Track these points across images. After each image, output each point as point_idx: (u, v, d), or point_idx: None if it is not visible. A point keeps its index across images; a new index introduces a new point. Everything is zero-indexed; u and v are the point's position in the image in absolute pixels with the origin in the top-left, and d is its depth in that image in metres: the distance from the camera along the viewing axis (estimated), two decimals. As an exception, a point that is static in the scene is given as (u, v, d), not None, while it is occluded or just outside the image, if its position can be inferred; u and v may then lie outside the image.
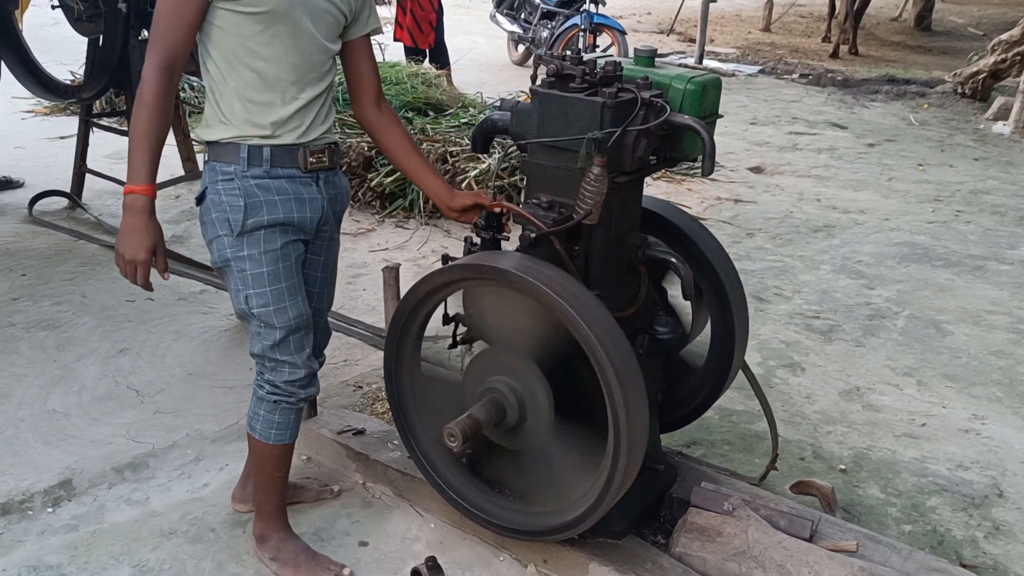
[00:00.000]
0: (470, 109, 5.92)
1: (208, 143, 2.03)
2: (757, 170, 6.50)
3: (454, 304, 2.33)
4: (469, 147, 4.28)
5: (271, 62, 1.96)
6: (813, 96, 9.22)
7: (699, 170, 2.17)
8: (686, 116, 2.12)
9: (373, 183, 5.06)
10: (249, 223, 1.97)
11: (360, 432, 2.76)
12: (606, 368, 1.93)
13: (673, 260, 2.30)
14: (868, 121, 8.26)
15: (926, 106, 8.90)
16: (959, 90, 9.08)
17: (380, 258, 4.41)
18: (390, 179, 5.05)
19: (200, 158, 4.77)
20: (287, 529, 2.31)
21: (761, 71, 10.66)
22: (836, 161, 6.83)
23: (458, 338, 2.40)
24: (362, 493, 2.63)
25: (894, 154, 7.10)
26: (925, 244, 5.04)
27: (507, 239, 2.32)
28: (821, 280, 4.47)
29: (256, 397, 2.17)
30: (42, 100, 6.48)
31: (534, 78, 2.28)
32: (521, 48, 10.16)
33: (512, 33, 10.10)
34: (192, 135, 4.91)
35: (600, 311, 2.00)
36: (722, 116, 2.36)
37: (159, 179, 1.96)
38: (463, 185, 4.92)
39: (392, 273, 3.11)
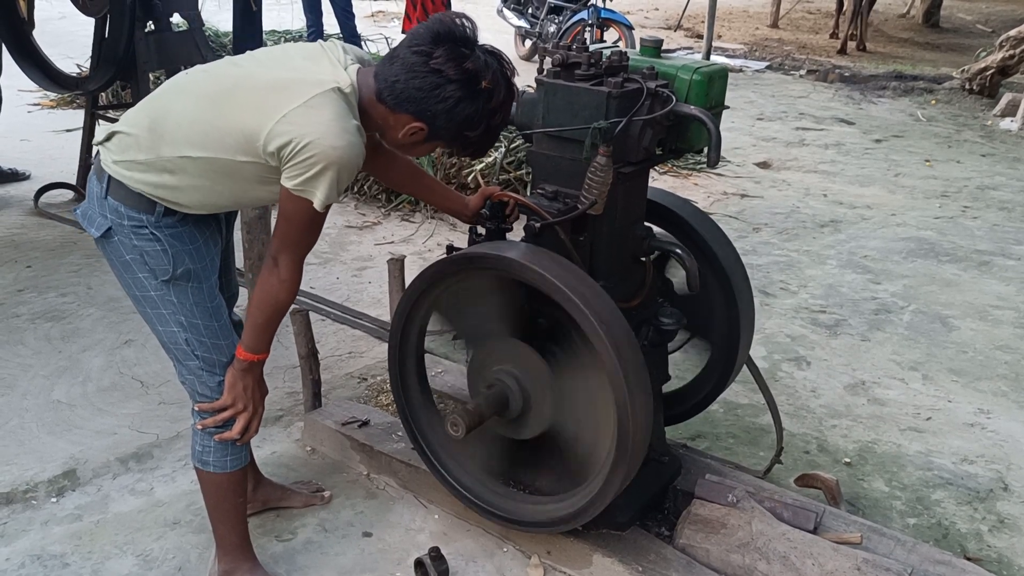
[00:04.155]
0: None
1: (118, 180, 1.85)
2: (764, 165, 6.48)
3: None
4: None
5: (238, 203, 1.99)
6: (820, 92, 9.18)
7: (705, 164, 2.16)
8: (692, 106, 2.11)
9: (378, 176, 5.05)
10: (179, 272, 1.89)
11: (364, 424, 2.76)
12: (611, 360, 1.93)
13: (678, 251, 2.29)
14: (875, 117, 8.23)
15: (934, 102, 8.86)
16: (967, 86, 9.04)
17: (386, 251, 4.40)
18: (395, 173, 5.04)
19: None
20: (253, 559, 2.20)
21: (768, 67, 10.62)
22: (843, 157, 6.80)
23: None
24: (366, 485, 2.63)
25: (901, 150, 7.07)
26: (932, 239, 5.02)
27: (511, 229, 2.32)
28: (827, 275, 4.45)
29: (201, 432, 2.05)
30: (48, 93, 6.49)
31: (541, 70, 2.27)
32: (528, 43, 10.14)
33: (519, 28, 10.08)
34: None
35: (605, 302, 2.00)
36: (728, 107, 2.35)
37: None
38: (469, 178, 4.92)
39: (397, 265, 3.11)
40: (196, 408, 2.03)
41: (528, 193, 2.26)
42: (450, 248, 2.33)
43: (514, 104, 2.01)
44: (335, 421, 2.78)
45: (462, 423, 2.06)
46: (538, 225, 2.12)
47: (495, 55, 1.87)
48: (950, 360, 3.60)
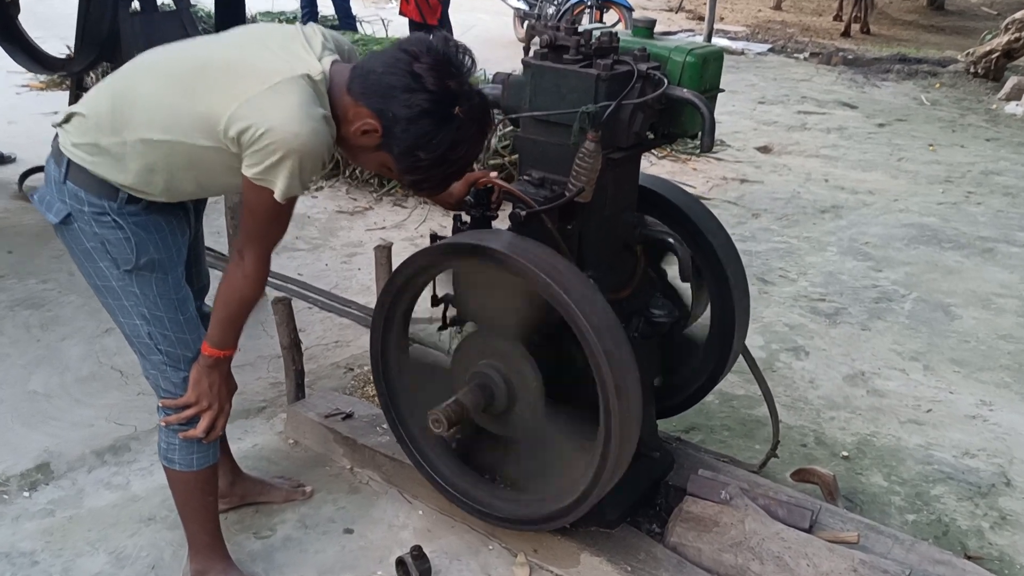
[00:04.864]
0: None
1: (78, 165, 1.75)
2: (764, 150, 6.37)
3: (446, 284, 2.24)
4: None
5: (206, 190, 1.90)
6: (823, 75, 9.06)
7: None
8: (685, 90, 2.02)
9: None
10: (142, 262, 1.80)
11: (348, 416, 2.69)
12: (598, 353, 1.85)
13: (670, 240, 2.21)
14: (879, 101, 8.11)
15: (938, 86, 8.74)
16: (971, 70, 8.91)
17: (377, 237, 4.31)
18: (388, 157, 4.94)
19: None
20: (226, 558, 2.12)
21: (771, 50, 10.48)
22: (845, 141, 6.70)
23: (448, 320, 2.32)
24: (349, 479, 2.56)
25: (904, 134, 6.96)
26: (934, 226, 4.93)
27: (496, 217, 2.23)
28: (827, 262, 4.36)
29: (166, 428, 1.97)
30: (37, 75, 6.39)
31: (527, 49, 2.18)
32: (527, 24, 10.01)
33: (518, 10, 9.95)
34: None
35: (592, 293, 1.91)
36: (723, 91, 2.26)
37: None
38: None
39: (384, 252, 3.03)
40: (160, 404, 1.95)
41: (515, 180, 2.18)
42: (434, 236, 2.24)
43: (478, 155, 1.88)
44: (318, 413, 2.70)
45: (444, 419, 1.98)
46: (523, 213, 2.03)
47: (482, 97, 1.77)
48: (952, 350, 3.52)
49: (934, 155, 6.43)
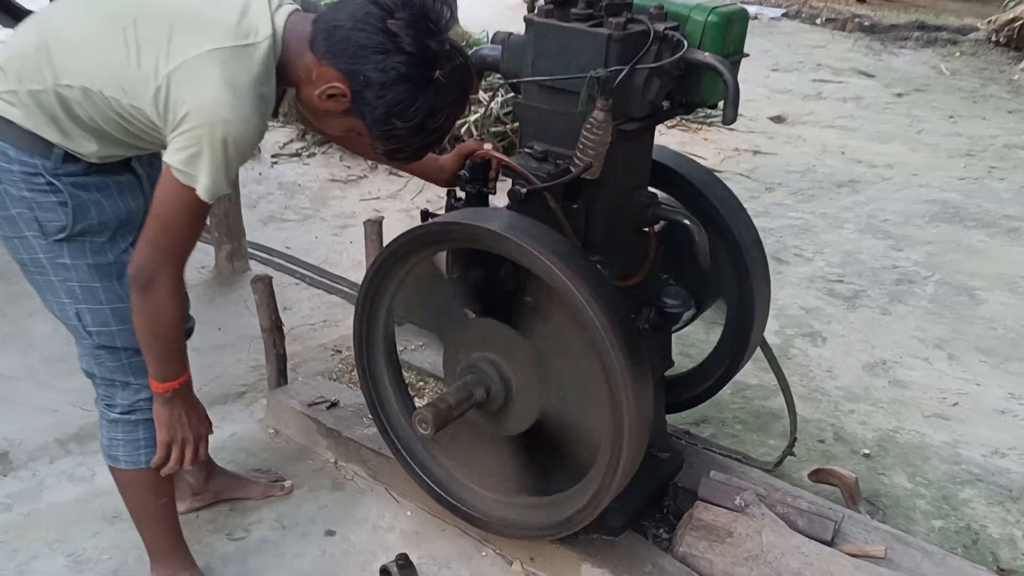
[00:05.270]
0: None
1: (2, 117, 1.51)
2: (778, 120, 6.11)
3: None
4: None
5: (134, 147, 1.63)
6: (839, 42, 8.73)
7: (717, 117, 1.85)
8: (706, 53, 1.79)
9: (366, 126, 4.72)
10: (78, 228, 1.55)
11: (333, 405, 2.50)
12: (605, 351, 1.65)
13: (687, 222, 1.99)
14: (896, 69, 7.81)
15: (958, 54, 8.42)
16: (993, 38, 8.57)
17: (371, 208, 4.10)
18: (384, 122, 4.70)
19: None
20: (192, 567, 1.95)
21: (785, 14, 10.12)
22: (862, 111, 6.43)
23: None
24: (333, 474, 2.37)
25: (923, 105, 6.69)
26: (956, 202, 4.69)
27: (494, 193, 2.02)
28: (845, 240, 4.14)
29: (107, 422, 1.76)
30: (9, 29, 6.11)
31: (531, 7, 1.94)
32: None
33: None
34: None
35: (598, 280, 1.71)
36: (747, 55, 2.03)
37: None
38: (462, 130, 4.58)
39: (375, 227, 2.82)
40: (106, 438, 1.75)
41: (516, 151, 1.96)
42: (425, 214, 2.03)
43: (458, 120, 1.68)
44: (301, 401, 2.51)
45: (431, 420, 1.78)
46: (524, 191, 1.82)
47: (464, 56, 1.55)
48: (978, 337, 3.31)
49: (954, 127, 6.16)
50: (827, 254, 3.98)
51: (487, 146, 1.98)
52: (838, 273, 3.79)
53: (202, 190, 1.45)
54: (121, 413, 1.74)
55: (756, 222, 2.21)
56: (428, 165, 2.02)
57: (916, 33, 9.03)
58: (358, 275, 3.44)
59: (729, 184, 2.25)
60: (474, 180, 1.98)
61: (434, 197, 4.24)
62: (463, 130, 4.56)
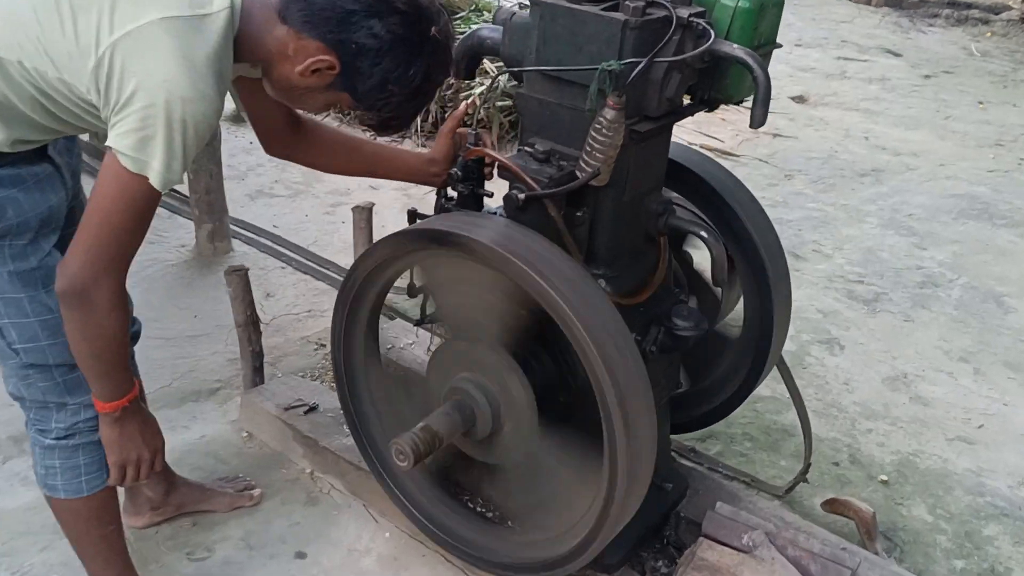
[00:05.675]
0: (484, 14, 5.26)
1: None
2: (800, 99, 5.85)
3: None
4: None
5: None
6: (866, 17, 8.39)
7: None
8: (735, 46, 1.57)
9: (366, 95, 4.47)
10: None
11: (312, 409, 2.32)
12: (603, 381, 1.46)
13: (703, 233, 1.78)
14: (924, 49, 7.49)
15: (989, 35, 8.09)
16: (1027, 18, 8.24)
17: (366, 185, 3.87)
18: (385, 91, 4.45)
19: None
20: None
21: (809, -14, 9.74)
22: (888, 93, 6.14)
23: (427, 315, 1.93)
24: (308, 486, 2.20)
25: (952, 88, 6.39)
26: (985, 197, 4.45)
27: (491, 195, 1.81)
28: (866, 235, 3.92)
29: (41, 448, 1.57)
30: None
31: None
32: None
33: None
34: None
35: (598, 302, 1.51)
36: (780, 45, 1.81)
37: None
38: (467, 103, 4.33)
39: (363, 215, 2.61)
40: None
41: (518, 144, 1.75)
42: (412, 214, 1.83)
43: (442, 83, 1.54)
44: (277, 404, 2.33)
45: (409, 451, 1.60)
46: (522, 196, 1.61)
47: (444, 7, 1.41)
48: (1006, 350, 3.10)
49: (984, 114, 5.89)
50: (847, 250, 3.76)
51: (485, 138, 1.76)
52: (858, 273, 3.57)
53: (155, 178, 1.27)
54: (57, 438, 1.55)
55: (774, 213, 2.01)
56: (413, 164, 1.81)
57: (946, 10, 8.68)
58: (349, 260, 3.24)
59: (746, 170, 2.06)
60: (467, 179, 1.77)
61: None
62: (467, 103, 4.32)
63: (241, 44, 1.35)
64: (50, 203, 1.43)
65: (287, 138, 1.74)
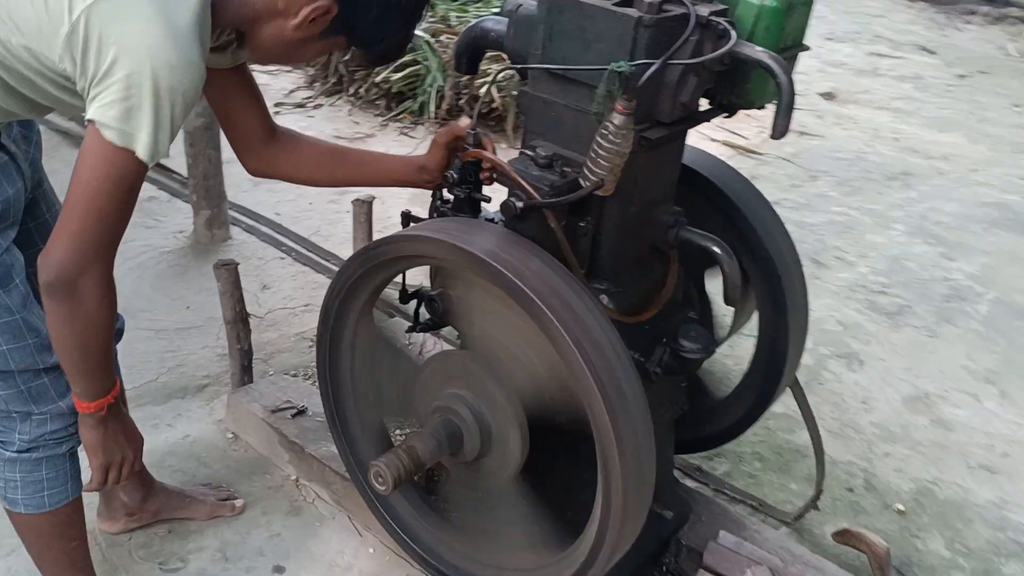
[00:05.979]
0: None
1: None
2: (829, 96, 5.65)
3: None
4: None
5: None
6: (901, 11, 8.14)
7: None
8: (759, 49, 1.44)
9: (378, 79, 4.36)
10: None
11: (300, 412, 2.22)
12: (599, 414, 1.34)
13: (716, 249, 1.65)
14: (960, 47, 7.24)
15: (1028, 34, 7.82)
16: (1069, 18, 7.95)
17: (375, 172, 3.76)
18: (399, 75, 4.34)
19: None
20: None
21: (843, -23, 9.49)
22: (920, 93, 5.93)
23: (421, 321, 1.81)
24: (292, 494, 2.10)
25: (987, 90, 6.16)
26: (1018, 207, 4.26)
27: (488, 200, 1.68)
28: (892, 243, 3.76)
29: (1, 461, 1.48)
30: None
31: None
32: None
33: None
34: None
35: (597, 323, 1.39)
36: (807, 48, 1.68)
37: None
38: (482, 91, 4.20)
39: (364, 208, 2.51)
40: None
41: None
42: (406, 217, 1.72)
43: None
44: (264, 406, 2.23)
45: (388, 475, 1.49)
46: (520, 205, 1.48)
47: None
48: (1034, 372, 2.95)
49: (1020, 118, 5.67)
50: (871, 259, 3.60)
51: (464, 121, 1.63)
52: (882, 283, 3.42)
53: (143, 151, 1.18)
54: (19, 451, 1.46)
55: (796, 215, 1.90)
56: (404, 169, 1.70)
57: (984, 7, 8.40)
58: (348, 253, 3.14)
59: (769, 169, 1.94)
60: (464, 182, 1.65)
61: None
62: (483, 90, 4.19)
63: (221, 8, 1.26)
64: (6, 195, 1.32)
65: (264, 151, 1.63)
